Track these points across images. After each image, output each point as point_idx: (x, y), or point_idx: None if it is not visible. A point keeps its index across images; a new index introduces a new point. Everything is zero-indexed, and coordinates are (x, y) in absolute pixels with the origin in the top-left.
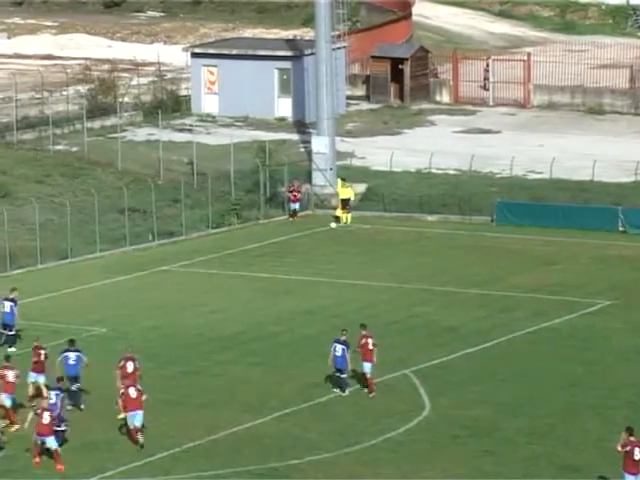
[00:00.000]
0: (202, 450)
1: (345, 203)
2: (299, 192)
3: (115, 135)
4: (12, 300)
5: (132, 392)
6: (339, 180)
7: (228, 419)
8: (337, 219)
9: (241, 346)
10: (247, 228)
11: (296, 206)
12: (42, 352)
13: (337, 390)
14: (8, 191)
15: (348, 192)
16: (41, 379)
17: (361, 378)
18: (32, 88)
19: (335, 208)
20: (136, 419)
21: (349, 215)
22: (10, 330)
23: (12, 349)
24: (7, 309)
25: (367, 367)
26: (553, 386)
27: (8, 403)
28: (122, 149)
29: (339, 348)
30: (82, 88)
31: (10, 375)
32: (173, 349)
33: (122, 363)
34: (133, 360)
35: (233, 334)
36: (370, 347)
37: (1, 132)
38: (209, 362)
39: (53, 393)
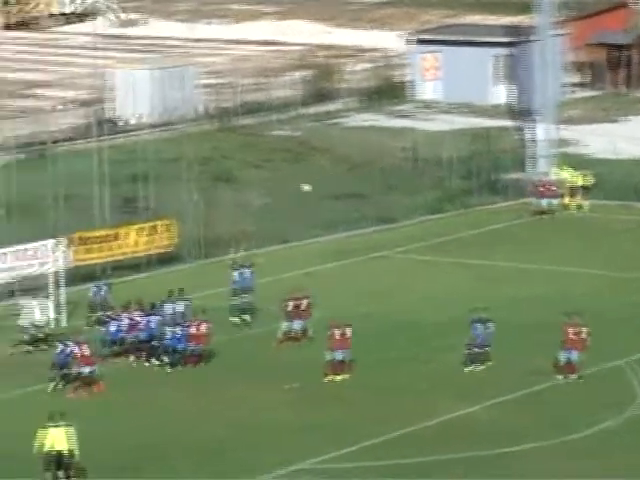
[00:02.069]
0: (413, 437)
1: (576, 190)
2: (552, 186)
3: (334, 121)
4: (248, 267)
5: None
6: (567, 168)
7: (443, 406)
8: (566, 206)
9: (456, 333)
10: (464, 215)
11: (551, 201)
12: None
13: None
14: (230, 175)
15: (578, 179)
16: None
17: (571, 367)
18: (253, 73)
19: (559, 196)
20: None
21: (584, 202)
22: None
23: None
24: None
25: (572, 355)
26: None
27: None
28: (340, 134)
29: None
30: (302, 74)
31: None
32: (388, 335)
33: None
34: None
35: (448, 320)
36: (575, 336)
37: (223, 117)
38: (424, 348)
39: None
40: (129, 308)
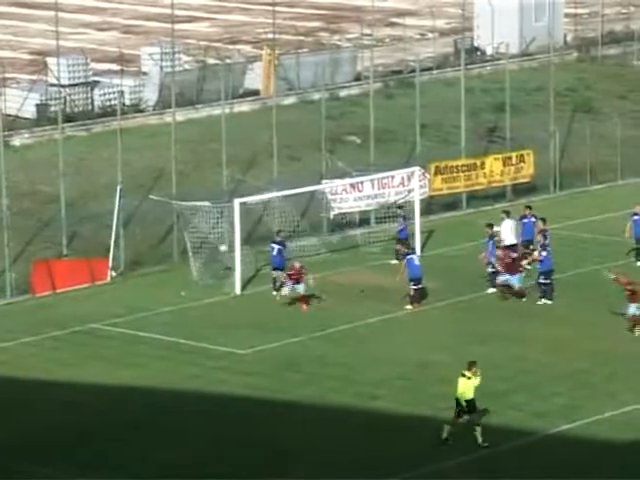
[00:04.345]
0: None
1: None
2: None
3: None
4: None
5: None
6: None
7: None
8: None
9: None
10: None
11: None
12: None
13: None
14: (592, 106)
15: None
16: None
17: None
18: (618, 3)
19: None
20: None
21: None
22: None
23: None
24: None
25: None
26: None
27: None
28: None
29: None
30: None
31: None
32: None
33: None
34: None
35: None
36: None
37: (586, 47)
38: None
39: None
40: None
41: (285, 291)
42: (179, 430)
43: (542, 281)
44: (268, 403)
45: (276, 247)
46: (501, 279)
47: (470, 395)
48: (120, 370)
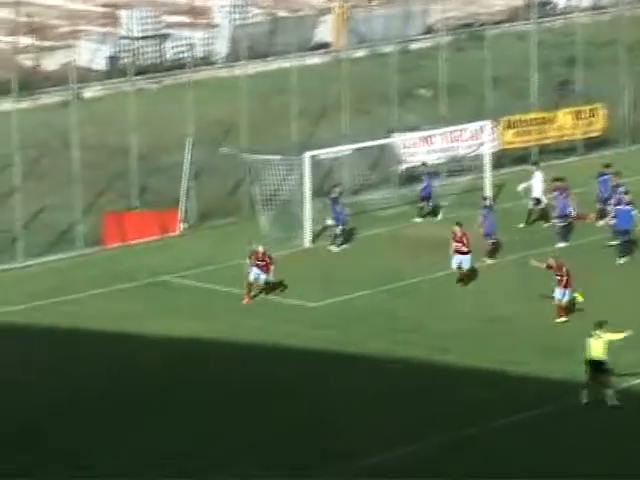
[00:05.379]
0: None
1: None
2: None
3: None
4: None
5: None
6: None
7: None
8: None
9: None
10: None
11: None
12: None
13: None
14: None
15: None
16: None
17: None
18: None
19: None
20: None
21: None
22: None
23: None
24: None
25: None
26: None
27: None
28: None
29: None
30: None
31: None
32: None
33: None
34: None
35: None
36: None
37: None
38: None
39: None
40: None
41: (251, 278)
42: (248, 381)
43: (619, 241)
44: (337, 356)
45: (332, 202)
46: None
47: (600, 355)
48: (189, 322)
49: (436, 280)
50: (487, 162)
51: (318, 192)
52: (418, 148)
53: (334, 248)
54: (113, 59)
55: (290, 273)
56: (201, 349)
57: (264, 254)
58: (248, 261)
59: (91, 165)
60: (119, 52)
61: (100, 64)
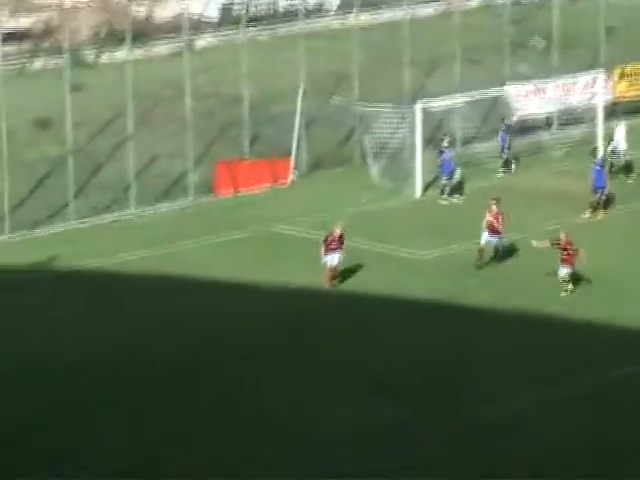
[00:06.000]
0: None
1: None
2: None
3: None
4: (442, 151)
5: None
6: None
7: None
8: None
9: None
10: None
11: None
12: None
13: None
14: None
15: None
16: None
17: None
18: None
19: None
20: None
21: None
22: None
23: None
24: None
25: None
26: None
27: None
28: None
29: None
30: None
31: None
32: None
33: None
34: None
35: None
36: None
37: None
38: None
39: None
40: None
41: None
42: (359, 332)
43: None
44: (448, 307)
45: (439, 152)
46: None
47: None
48: (300, 272)
49: (547, 231)
50: (599, 113)
51: (429, 143)
52: (530, 99)
53: (442, 201)
54: (225, 9)
55: (400, 223)
56: (312, 297)
57: (340, 237)
58: (323, 247)
59: (203, 114)
60: (232, 2)
61: (213, 14)
